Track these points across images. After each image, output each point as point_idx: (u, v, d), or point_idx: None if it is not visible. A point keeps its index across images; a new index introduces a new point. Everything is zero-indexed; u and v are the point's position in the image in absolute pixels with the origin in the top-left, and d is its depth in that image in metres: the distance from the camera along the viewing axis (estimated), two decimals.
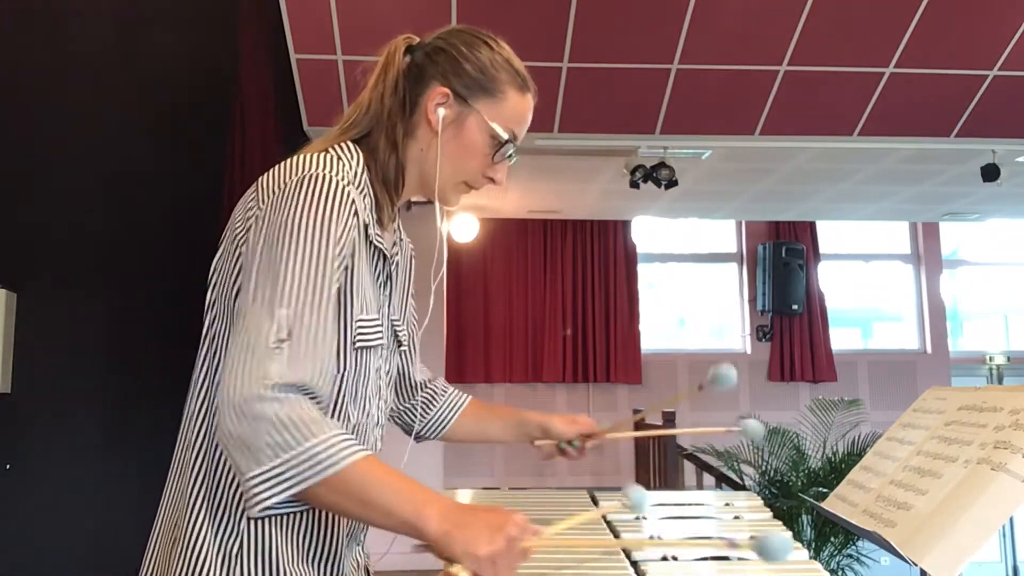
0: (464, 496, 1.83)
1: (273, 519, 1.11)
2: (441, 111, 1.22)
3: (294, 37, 4.01)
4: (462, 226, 6.65)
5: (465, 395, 1.57)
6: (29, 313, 3.61)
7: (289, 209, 1.08)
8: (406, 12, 3.83)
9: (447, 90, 1.21)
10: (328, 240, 1.07)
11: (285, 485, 0.97)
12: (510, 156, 1.26)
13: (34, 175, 3.76)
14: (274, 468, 0.96)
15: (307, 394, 1.01)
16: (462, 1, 3.85)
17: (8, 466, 3.55)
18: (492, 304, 7.53)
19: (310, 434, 0.97)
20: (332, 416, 1.13)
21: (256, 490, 0.97)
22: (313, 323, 1.03)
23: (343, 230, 1.09)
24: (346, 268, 1.11)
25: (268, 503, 0.97)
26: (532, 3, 3.91)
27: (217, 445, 1.12)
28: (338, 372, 1.13)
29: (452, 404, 1.54)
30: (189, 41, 4.05)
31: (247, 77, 4.01)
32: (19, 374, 3.55)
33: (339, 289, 1.11)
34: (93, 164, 3.83)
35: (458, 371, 7.32)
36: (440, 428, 1.53)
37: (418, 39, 1.28)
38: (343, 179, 1.12)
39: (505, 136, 1.24)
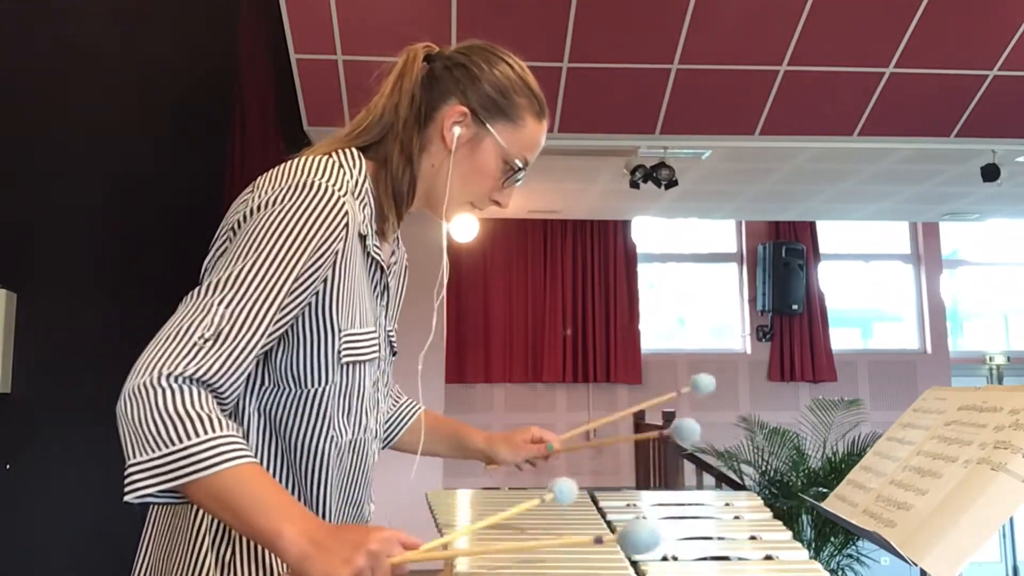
0: (464, 496, 1.82)
1: None
2: (457, 130, 1.19)
3: (294, 37, 4.01)
4: (462, 226, 6.65)
5: (417, 406, 1.55)
6: (29, 313, 3.61)
7: (273, 213, 1.06)
8: (406, 12, 3.83)
9: (466, 109, 1.19)
10: (302, 250, 1.05)
11: (160, 479, 0.94)
12: (518, 180, 1.24)
13: (34, 175, 3.76)
14: (153, 460, 0.94)
15: (211, 391, 0.99)
16: (462, 1, 3.85)
17: (8, 466, 3.55)
18: (492, 304, 7.52)
19: (193, 432, 0.94)
20: (319, 433, 1.12)
21: (133, 478, 0.94)
22: (246, 328, 1.01)
23: (324, 242, 1.06)
24: (325, 280, 1.09)
25: (142, 493, 0.94)
26: (532, 3, 3.91)
27: None
28: (319, 385, 1.11)
29: (402, 417, 1.52)
30: (189, 41, 4.05)
31: (247, 77, 4.01)
32: (19, 374, 3.55)
33: (320, 300, 1.09)
34: (93, 164, 3.83)
35: (458, 371, 7.32)
36: (387, 440, 1.51)
37: (437, 48, 1.25)
38: (340, 188, 1.10)
39: (519, 164, 1.22)
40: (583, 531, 1.48)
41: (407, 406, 1.55)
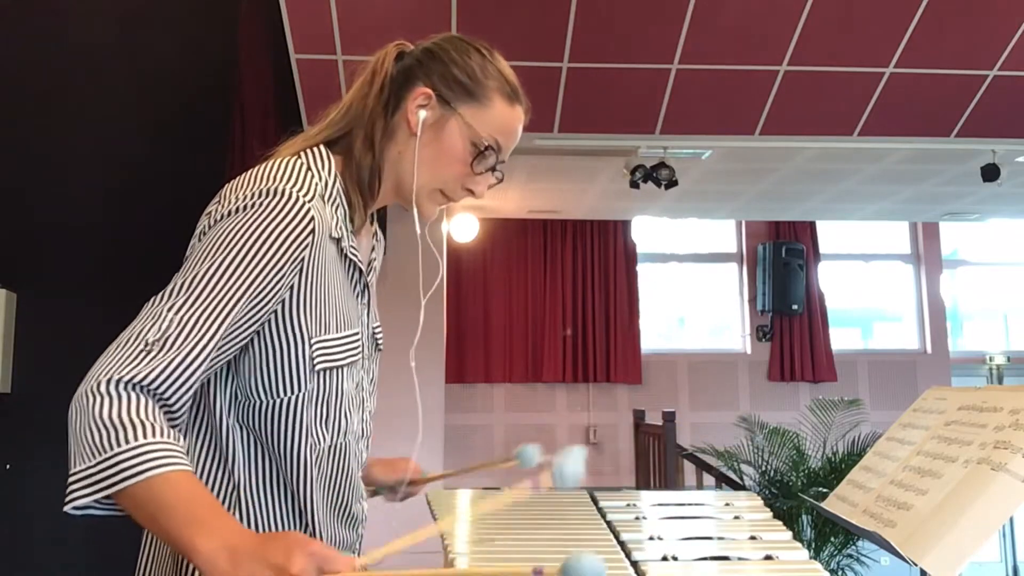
0: (464, 496, 1.82)
1: (263, 531, 1.09)
2: (422, 112, 1.17)
3: (294, 37, 4.01)
4: (462, 226, 6.65)
5: None
6: (29, 313, 3.61)
7: (237, 221, 1.04)
8: (406, 12, 3.83)
9: (430, 91, 1.17)
10: (262, 258, 1.03)
11: (93, 488, 0.91)
12: (493, 169, 1.21)
13: (34, 175, 3.76)
14: (88, 468, 0.92)
15: (156, 398, 0.96)
16: (462, 1, 3.85)
17: (8, 466, 3.55)
18: (492, 304, 7.52)
19: (124, 440, 0.91)
20: (297, 440, 1.10)
21: (70, 488, 0.92)
22: (194, 334, 0.99)
23: (287, 251, 1.04)
24: (292, 288, 1.07)
25: (78, 503, 0.92)
26: (532, 3, 3.90)
27: (202, 451, 1.11)
28: (290, 394, 1.09)
29: None
30: (189, 41, 4.05)
31: (247, 77, 4.01)
32: (19, 374, 3.55)
33: (286, 309, 1.07)
34: (93, 164, 3.84)
35: (458, 371, 7.32)
36: None
37: (411, 46, 1.25)
38: (307, 194, 1.08)
39: (486, 143, 1.18)
40: (583, 528, 1.49)
41: None
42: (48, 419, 3.62)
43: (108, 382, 0.94)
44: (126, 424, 0.92)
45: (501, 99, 1.19)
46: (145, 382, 0.95)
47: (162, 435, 0.94)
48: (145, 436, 0.93)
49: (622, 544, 1.40)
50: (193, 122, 4.00)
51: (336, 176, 1.15)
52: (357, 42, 3.96)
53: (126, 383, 0.95)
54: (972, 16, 4.07)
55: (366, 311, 1.22)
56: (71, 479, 0.93)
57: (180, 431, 1.02)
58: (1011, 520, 5.45)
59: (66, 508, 0.93)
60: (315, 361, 1.10)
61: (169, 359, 0.97)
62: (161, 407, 0.97)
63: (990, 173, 4.76)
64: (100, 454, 0.92)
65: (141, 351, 0.96)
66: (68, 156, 3.81)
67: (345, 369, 1.14)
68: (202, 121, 4.01)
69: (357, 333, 1.17)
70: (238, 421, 1.10)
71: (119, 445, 0.91)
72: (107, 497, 0.93)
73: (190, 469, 0.96)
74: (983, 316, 8.42)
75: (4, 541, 3.46)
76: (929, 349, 7.90)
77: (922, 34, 4.11)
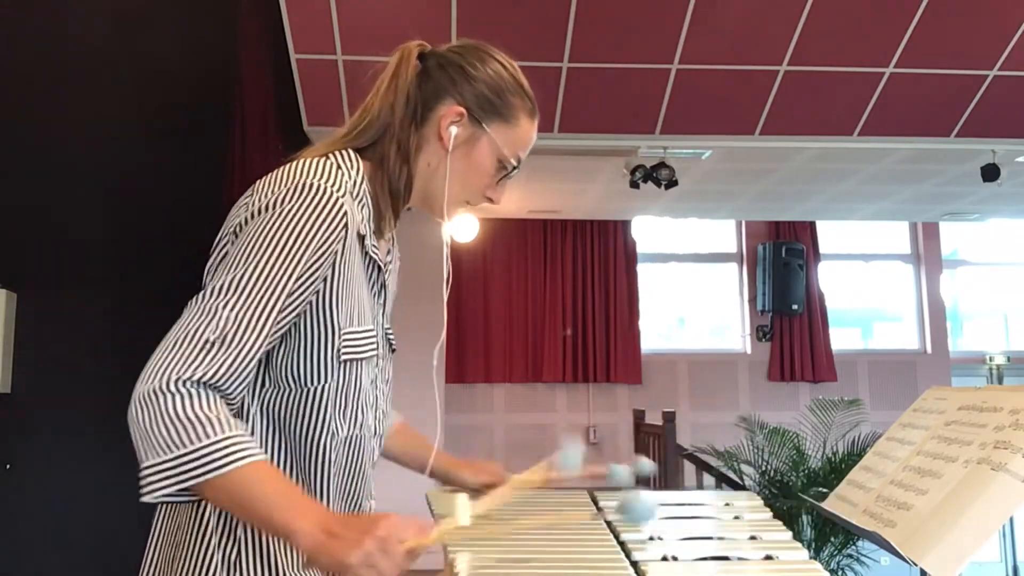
0: (464, 496, 1.82)
1: None
2: (454, 130, 1.21)
3: (294, 37, 4.01)
4: (462, 226, 6.65)
5: (393, 416, 1.55)
6: (29, 313, 3.61)
7: (273, 216, 1.08)
8: (406, 12, 3.83)
9: (463, 110, 1.21)
10: (301, 252, 1.07)
11: (172, 480, 0.98)
12: (510, 178, 1.28)
13: (34, 175, 3.76)
14: (165, 462, 0.98)
15: (220, 392, 1.02)
16: (462, 1, 3.85)
17: (8, 466, 3.55)
18: (492, 304, 7.52)
19: (203, 434, 0.98)
20: (318, 429, 1.14)
21: (148, 480, 0.98)
22: (250, 330, 1.04)
23: (323, 243, 1.08)
24: (325, 279, 1.11)
25: (156, 494, 0.98)
26: (532, 3, 3.91)
27: None
28: (320, 383, 1.13)
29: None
30: (189, 40, 4.05)
31: (247, 77, 4.01)
32: (19, 374, 3.55)
33: (320, 300, 1.11)
34: (93, 164, 3.83)
35: (458, 371, 7.32)
36: None
37: (430, 46, 1.27)
38: (339, 190, 1.11)
39: (514, 163, 1.25)
40: (583, 528, 1.49)
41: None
42: (48, 419, 3.62)
43: (176, 380, 1.00)
44: (202, 419, 0.99)
45: (525, 116, 1.26)
46: (211, 380, 1.01)
47: (236, 428, 1.01)
48: (222, 431, 0.99)
49: (622, 544, 1.40)
50: (193, 122, 4.00)
51: (364, 177, 1.19)
52: (357, 42, 3.96)
53: (194, 381, 1.00)
54: (972, 16, 4.07)
55: (381, 311, 1.26)
56: (146, 472, 0.99)
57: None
58: (1011, 520, 5.45)
59: (144, 499, 1.00)
60: (341, 351, 1.14)
61: (231, 356, 1.03)
62: (223, 400, 1.03)
63: (990, 173, 4.76)
64: (178, 448, 0.97)
65: (202, 350, 1.02)
66: (68, 156, 3.80)
67: (364, 363, 1.18)
68: (202, 121, 4.01)
69: (373, 329, 1.20)
70: (261, 410, 1.14)
71: (199, 440, 0.98)
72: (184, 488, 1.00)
73: (266, 458, 1.03)
74: (983, 316, 8.42)
75: (4, 541, 3.46)
76: (929, 349, 7.90)
77: (922, 34, 4.11)
